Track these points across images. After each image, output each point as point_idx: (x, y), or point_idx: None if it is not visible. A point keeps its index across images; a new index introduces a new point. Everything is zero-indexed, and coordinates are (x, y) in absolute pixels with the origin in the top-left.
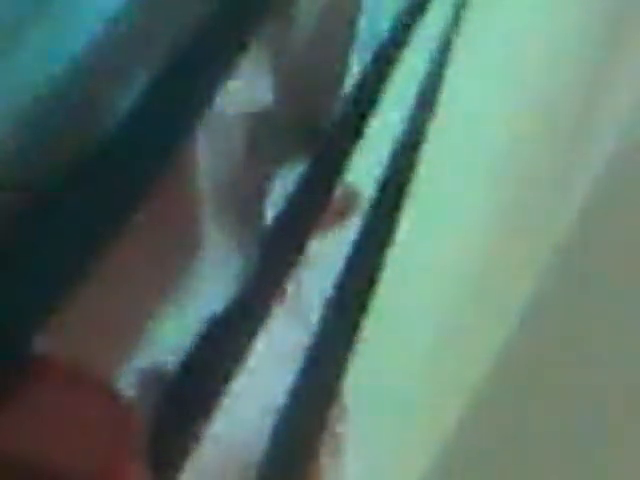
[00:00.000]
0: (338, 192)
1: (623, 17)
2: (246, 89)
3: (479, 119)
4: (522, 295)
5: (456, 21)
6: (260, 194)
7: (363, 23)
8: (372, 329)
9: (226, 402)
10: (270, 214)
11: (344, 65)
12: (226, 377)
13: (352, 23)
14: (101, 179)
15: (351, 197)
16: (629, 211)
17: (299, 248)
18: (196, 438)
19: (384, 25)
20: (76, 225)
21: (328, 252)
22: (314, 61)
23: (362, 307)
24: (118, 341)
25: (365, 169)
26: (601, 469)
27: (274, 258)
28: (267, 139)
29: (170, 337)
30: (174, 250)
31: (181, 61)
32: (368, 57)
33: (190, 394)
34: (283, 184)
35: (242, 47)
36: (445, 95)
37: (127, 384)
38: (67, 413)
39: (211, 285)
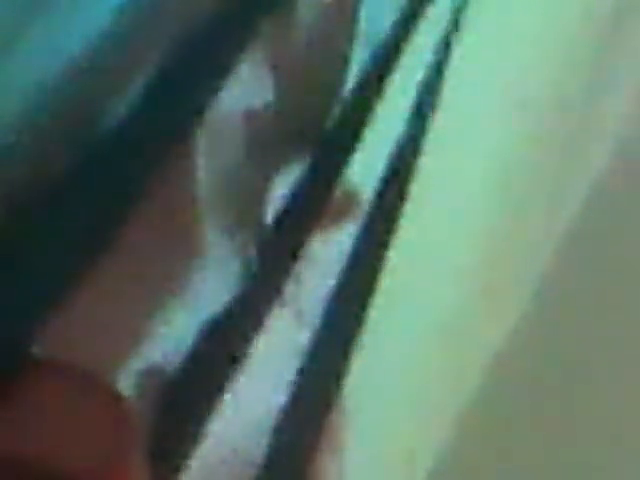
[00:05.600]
0: (338, 192)
1: (623, 17)
2: (246, 89)
3: (479, 119)
4: (523, 295)
5: (456, 21)
6: (260, 194)
7: (363, 23)
8: (372, 329)
9: (226, 402)
10: (270, 214)
11: (344, 65)
12: (226, 377)
13: (352, 23)
14: (101, 179)
15: (351, 197)
16: (629, 211)
17: (299, 248)
18: (196, 438)
19: (384, 25)
20: (76, 225)
21: (328, 252)
22: (314, 61)
23: (362, 307)
24: (118, 341)
25: (365, 169)
26: (601, 470)
27: (274, 258)
28: (267, 139)
29: (170, 337)
30: (174, 250)
31: (181, 61)
32: (368, 57)
33: (190, 394)
34: (283, 184)
35: (242, 47)
36: (445, 95)
37: (127, 384)
38: (67, 413)
39: (211, 285)
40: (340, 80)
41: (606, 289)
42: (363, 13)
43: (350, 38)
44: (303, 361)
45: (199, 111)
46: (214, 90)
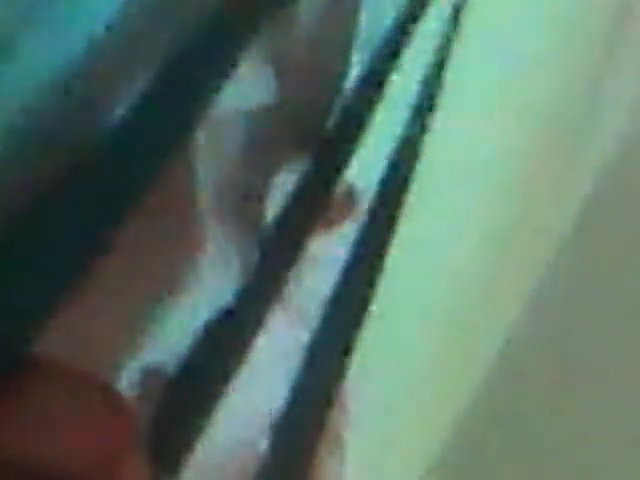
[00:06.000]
0: (338, 192)
1: (623, 17)
2: (246, 89)
3: (479, 118)
4: (523, 294)
5: (456, 21)
6: (260, 194)
7: (363, 23)
8: (372, 329)
9: (226, 402)
10: (270, 214)
11: (344, 65)
12: (226, 377)
13: (352, 23)
14: (102, 179)
15: (351, 197)
16: (629, 211)
17: (299, 248)
18: (196, 438)
19: (384, 25)
20: (76, 224)
21: (328, 252)
22: (314, 61)
23: (362, 307)
24: (118, 341)
25: (365, 169)
26: (601, 469)
27: (274, 258)
28: (267, 139)
29: (170, 337)
30: (174, 250)
31: (181, 61)
32: (368, 57)
33: (190, 394)
34: (283, 184)
35: (242, 47)
36: (445, 95)
37: (127, 384)
38: (67, 413)
39: (211, 285)
40: (340, 80)
41: (607, 287)
42: (363, 13)
43: (350, 38)
44: (303, 361)
45: (199, 111)
46: (214, 90)
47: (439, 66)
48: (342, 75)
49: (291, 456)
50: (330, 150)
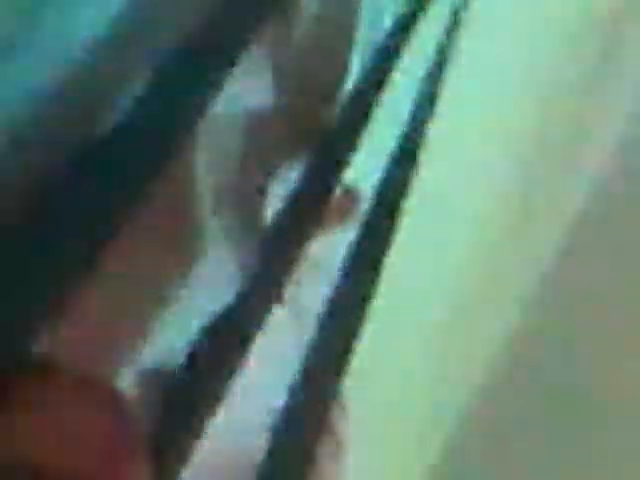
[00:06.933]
0: (338, 192)
1: (623, 17)
2: (246, 89)
3: (479, 118)
4: (523, 294)
5: (456, 20)
6: (260, 194)
7: (363, 23)
8: (372, 329)
9: (226, 402)
10: (270, 214)
11: (344, 65)
12: (226, 377)
13: (352, 23)
14: (101, 179)
15: (351, 197)
16: (629, 211)
17: (299, 248)
18: (196, 438)
19: (384, 25)
20: (75, 225)
21: (328, 252)
22: (314, 61)
23: (362, 307)
24: (119, 341)
25: (365, 169)
26: (600, 468)
27: (274, 258)
28: (267, 139)
29: (170, 337)
30: (174, 250)
31: (181, 60)
32: (368, 57)
33: (190, 394)
34: (283, 184)
35: (242, 47)
36: (445, 95)
37: (128, 385)
38: (67, 413)
39: (211, 286)
40: (340, 80)
41: (606, 286)
42: (364, 13)
43: (350, 38)
44: (303, 361)
45: (199, 111)
46: (214, 90)
47: (440, 65)
48: (342, 75)
49: (291, 457)
50: (330, 150)
